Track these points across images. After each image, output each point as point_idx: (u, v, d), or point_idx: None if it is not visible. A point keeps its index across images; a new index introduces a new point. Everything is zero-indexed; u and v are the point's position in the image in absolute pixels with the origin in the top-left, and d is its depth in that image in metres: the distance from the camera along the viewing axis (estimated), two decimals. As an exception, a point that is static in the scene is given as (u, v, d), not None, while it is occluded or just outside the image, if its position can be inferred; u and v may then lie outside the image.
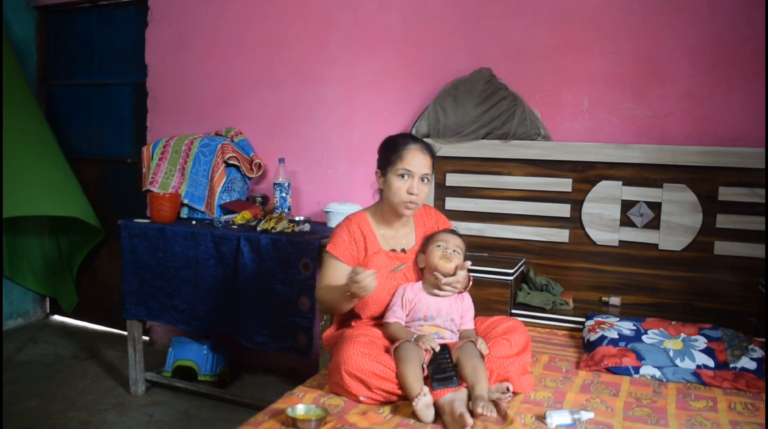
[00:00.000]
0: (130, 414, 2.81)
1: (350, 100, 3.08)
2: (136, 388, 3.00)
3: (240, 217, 2.87)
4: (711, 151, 2.42)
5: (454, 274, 1.88)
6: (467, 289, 1.96)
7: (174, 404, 2.92)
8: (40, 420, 2.72)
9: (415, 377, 1.62)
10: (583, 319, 2.35)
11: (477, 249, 2.74)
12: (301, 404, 1.59)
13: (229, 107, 3.35)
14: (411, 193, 1.86)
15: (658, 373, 1.95)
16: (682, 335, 2.08)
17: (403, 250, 1.98)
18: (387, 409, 1.64)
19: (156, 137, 3.42)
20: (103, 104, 3.86)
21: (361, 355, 1.66)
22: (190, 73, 3.43)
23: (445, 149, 2.76)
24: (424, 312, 1.86)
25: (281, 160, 3.01)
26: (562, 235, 2.65)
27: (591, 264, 2.62)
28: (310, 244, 2.52)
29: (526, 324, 2.09)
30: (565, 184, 2.63)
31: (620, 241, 2.57)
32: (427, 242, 1.97)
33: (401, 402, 1.66)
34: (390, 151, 1.90)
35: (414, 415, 1.57)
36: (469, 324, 1.92)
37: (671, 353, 1.99)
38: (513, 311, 2.45)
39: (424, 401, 1.55)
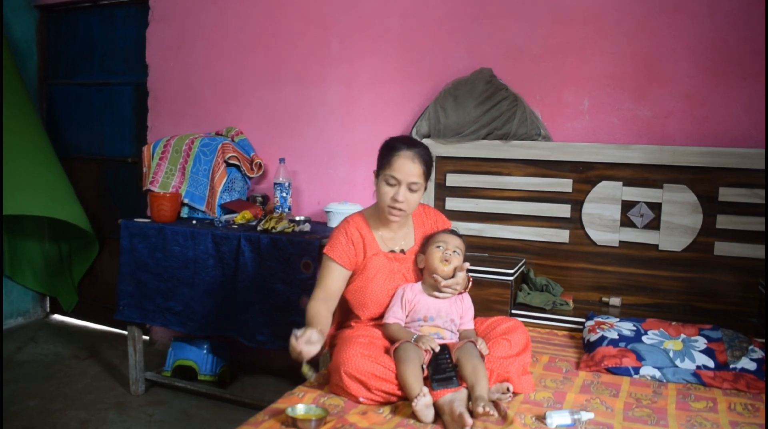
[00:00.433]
0: (129, 413, 2.81)
1: (351, 100, 3.08)
2: (136, 387, 3.00)
3: (240, 217, 2.87)
4: (711, 151, 2.42)
5: (453, 276, 1.88)
6: (467, 290, 1.96)
7: (174, 404, 2.92)
8: (40, 419, 2.72)
9: (414, 378, 1.62)
10: (583, 320, 2.35)
11: (477, 249, 2.74)
12: (301, 404, 1.59)
13: (230, 107, 3.35)
14: (395, 201, 1.83)
15: (658, 374, 1.95)
16: (682, 336, 2.08)
17: (402, 251, 1.98)
18: (387, 410, 1.65)
19: (156, 137, 3.42)
20: (103, 104, 3.86)
21: (361, 356, 1.66)
22: (190, 73, 3.43)
23: (445, 149, 2.76)
24: (423, 313, 1.86)
25: (282, 160, 3.01)
26: (562, 236, 2.65)
27: (591, 264, 2.62)
28: (311, 244, 2.52)
29: (526, 324, 2.09)
30: (565, 185, 2.63)
31: (620, 242, 2.57)
32: (427, 242, 1.97)
33: (401, 402, 1.66)
34: (382, 155, 1.89)
35: (414, 415, 1.57)
36: (468, 324, 1.92)
37: (671, 354, 1.99)
38: (513, 311, 2.45)
39: (423, 401, 1.55)
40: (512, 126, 2.66)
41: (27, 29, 3.91)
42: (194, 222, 2.93)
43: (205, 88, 3.40)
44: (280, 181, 2.96)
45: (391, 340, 1.80)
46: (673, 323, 2.17)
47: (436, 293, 1.89)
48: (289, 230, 2.66)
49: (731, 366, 1.93)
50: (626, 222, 2.56)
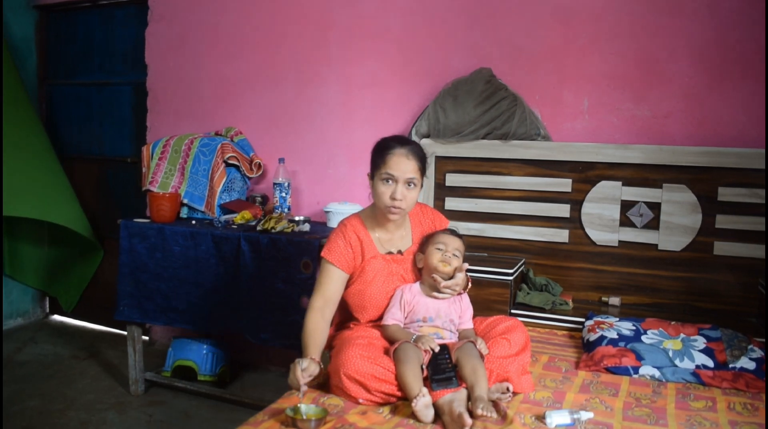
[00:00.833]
0: (129, 414, 2.81)
1: (350, 100, 3.08)
2: (136, 387, 3.00)
3: (240, 217, 2.87)
4: (711, 151, 2.42)
5: (452, 277, 1.88)
6: (467, 291, 1.96)
7: (174, 404, 2.92)
8: (39, 420, 2.72)
9: (414, 378, 1.62)
10: (582, 319, 2.36)
11: (477, 249, 2.74)
12: (301, 404, 1.59)
13: (229, 107, 3.35)
14: (394, 199, 1.83)
15: (657, 373, 1.95)
16: (682, 335, 2.08)
17: (400, 252, 1.98)
18: (386, 410, 1.65)
19: (156, 137, 3.42)
20: (103, 104, 3.86)
21: (360, 357, 1.66)
22: (190, 73, 3.43)
23: (445, 149, 2.76)
24: (422, 313, 1.86)
25: (281, 160, 3.01)
26: (561, 236, 2.66)
27: (590, 264, 2.62)
28: (310, 243, 2.52)
29: (526, 324, 2.09)
30: (564, 185, 2.63)
31: (620, 242, 2.57)
32: (426, 242, 1.96)
33: (401, 402, 1.66)
34: (376, 155, 1.89)
35: (413, 415, 1.57)
36: (467, 324, 1.92)
37: (670, 353, 1.99)
38: (513, 311, 2.45)
39: (423, 402, 1.55)
40: (512, 126, 2.66)
41: (26, 29, 3.91)
42: (194, 222, 2.93)
43: (205, 88, 3.40)
44: (279, 181, 2.96)
45: (391, 341, 1.80)
46: (673, 323, 2.17)
47: (435, 294, 1.89)
48: (289, 230, 2.66)
49: (730, 365, 1.93)
50: (626, 222, 2.56)
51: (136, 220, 2.92)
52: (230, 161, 3.03)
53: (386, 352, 1.75)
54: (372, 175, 1.91)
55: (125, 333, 3.01)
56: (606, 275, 2.61)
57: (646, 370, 1.96)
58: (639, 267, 2.56)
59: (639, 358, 1.99)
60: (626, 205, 2.55)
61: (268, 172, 3.25)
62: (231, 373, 3.15)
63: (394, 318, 1.87)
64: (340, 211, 2.75)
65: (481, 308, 2.28)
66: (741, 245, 2.42)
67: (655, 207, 2.51)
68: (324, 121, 3.14)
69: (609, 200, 2.57)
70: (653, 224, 2.52)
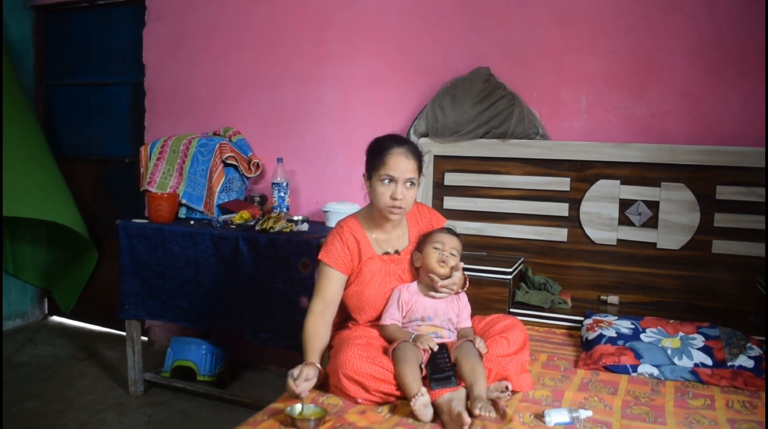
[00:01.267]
0: (129, 414, 2.81)
1: (348, 100, 3.08)
2: (135, 388, 3.00)
3: (238, 217, 2.86)
4: (709, 150, 2.42)
5: (450, 276, 1.88)
6: (464, 290, 1.96)
7: (173, 404, 2.92)
8: (39, 421, 2.72)
9: (412, 377, 1.62)
10: (581, 318, 2.36)
11: (475, 248, 2.74)
12: (300, 404, 1.59)
13: (227, 107, 3.35)
14: (395, 199, 1.83)
15: (656, 372, 1.95)
16: (680, 334, 2.08)
17: (397, 252, 1.97)
18: (386, 409, 1.65)
19: (154, 137, 3.42)
20: (100, 104, 3.86)
21: (359, 357, 1.66)
22: (187, 73, 3.43)
23: (443, 148, 2.76)
24: (421, 313, 1.86)
25: (279, 160, 3.01)
26: (560, 234, 2.66)
27: (589, 263, 2.63)
28: (309, 243, 2.52)
29: (525, 323, 2.09)
30: (563, 183, 2.63)
31: (618, 240, 2.57)
32: (423, 242, 1.96)
33: (400, 401, 1.66)
34: (374, 156, 1.88)
35: (412, 415, 1.57)
36: (465, 322, 1.92)
37: (669, 352, 1.99)
38: (511, 310, 2.45)
39: (422, 401, 1.55)
40: (510, 125, 2.66)
41: (24, 29, 3.90)
42: (192, 222, 2.93)
43: (203, 88, 3.40)
44: (277, 180, 2.96)
45: (389, 341, 1.80)
46: (671, 321, 2.18)
47: (433, 293, 1.89)
48: (287, 230, 2.66)
49: (729, 364, 1.93)
50: (624, 220, 2.56)
51: (134, 220, 2.92)
52: (228, 161, 3.03)
53: (385, 351, 1.75)
54: (369, 176, 1.90)
55: (124, 333, 3.01)
56: (605, 274, 2.61)
57: (645, 369, 1.96)
58: (637, 266, 2.56)
59: (638, 356, 1.99)
60: (625, 204, 2.55)
61: (267, 172, 3.25)
62: (230, 373, 3.15)
63: (392, 318, 1.87)
64: (338, 210, 2.75)
65: (480, 307, 2.28)
66: (739, 244, 2.42)
67: (653, 205, 2.51)
68: (322, 120, 3.14)
69: (607, 199, 2.57)
70: (652, 223, 2.52)
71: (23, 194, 3.28)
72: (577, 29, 2.65)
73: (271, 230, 2.64)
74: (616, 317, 2.25)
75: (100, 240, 3.81)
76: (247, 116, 3.30)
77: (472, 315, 1.97)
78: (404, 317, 1.88)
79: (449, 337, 1.85)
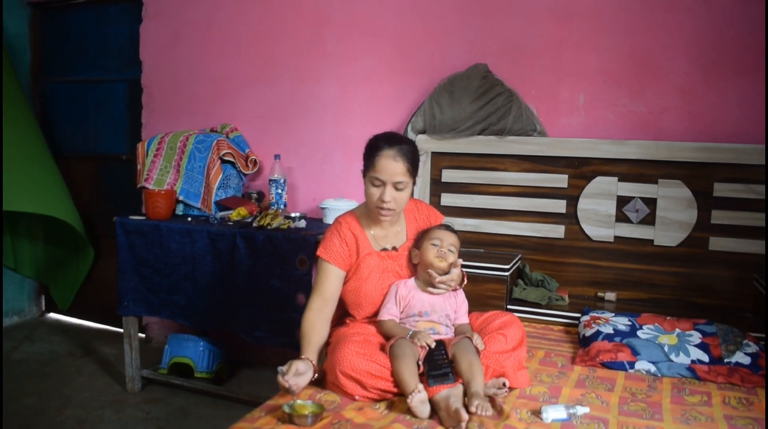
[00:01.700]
0: (126, 411, 2.81)
1: (346, 96, 3.07)
2: (133, 385, 3.00)
3: (236, 214, 2.86)
4: (706, 147, 2.42)
5: (448, 272, 1.88)
6: (462, 286, 1.96)
7: (170, 401, 2.92)
8: (36, 418, 2.72)
9: (410, 374, 1.62)
10: (578, 315, 2.36)
11: (473, 245, 2.74)
12: (298, 400, 1.59)
13: (225, 103, 3.34)
14: (383, 201, 1.82)
15: (653, 368, 1.95)
16: (677, 330, 2.08)
17: (395, 248, 1.97)
18: (383, 405, 1.65)
19: (151, 134, 3.41)
20: (97, 101, 3.85)
21: (356, 354, 1.66)
22: (185, 70, 3.42)
23: (440, 145, 2.76)
24: (418, 308, 1.86)
25: (277, 157, 3.01)
26: (557, 231, 2.66)
27: (586, 259, 2.63)
28: (306, 240, 2.52)
29: (522, 319, 2.10)
30: (560, 180, 2.64)
31: (615, 237, 2.58)
32: (421, 238, 1.96)
33: (397, 398, 1.66)
34: (366, 156, 1.88)
35: (410, 411, 1.57)
36: (463, 318, 1.92)
37: (666, 348, 2.00)
38: (509, 307, 2.45)
39: (418, 398, 1.55)
40: (508, 122, 2.66)
41: (20, 26, 3.89)
42: (189, 219, 2.93)
43: (200, 85, 3.39)
44: (275, 177, 2.96)
45: (387, 337, 1.80)
46: (668, 318, 2.18)
47: (431, 289, 1.89)
48: (285, 227, 2.65)
49: (726, 360, 1.94)
50: (621, 217, 2.56)
51: (131, 217, 2.91)
52: (226, 158, 3.02)
53: (382, 348, 1.75)
54: (364, 175, 1.90)
55: (121, 331, 3.01)
56: (602, 271, 2.61)
57: (642, 365, 1.96)
58: (635, 262, 2.56)
59: (634, 353, 1.99)
60: (622, 201, 2.55)
61: (264, 168, 3.24)
62: (228, 370, 3.15)
63: (389, 313, 1.87)
64: (336, 207, 2.75)
65: (477, 304, 2.28)
66: (736, 241, 2.42)
67: (650, 202, 2.52)
68: (320, 117, 3.13)
69: (605, 196, 2.57)
70: (649, 220, 2.52)
71: (22, 190, 3.28)
72: (576, 26, 2.65)
73: (269, 227, 2.64)
74: (613, 314, 2.25)
75: (97, 237, 3.81)
76: (245, 113, 3.29)
77: (470, 311, 1.97)
78: (402, 312, 1.88)
79: (446, 334, 1.85)
